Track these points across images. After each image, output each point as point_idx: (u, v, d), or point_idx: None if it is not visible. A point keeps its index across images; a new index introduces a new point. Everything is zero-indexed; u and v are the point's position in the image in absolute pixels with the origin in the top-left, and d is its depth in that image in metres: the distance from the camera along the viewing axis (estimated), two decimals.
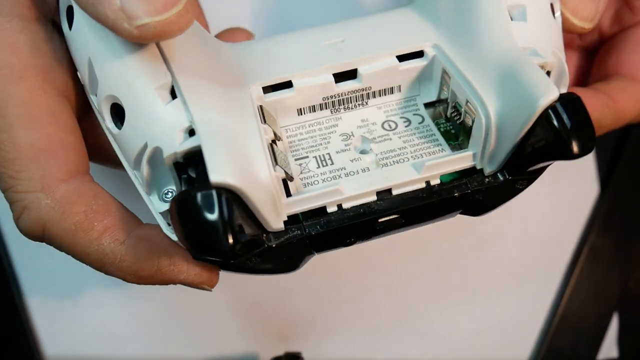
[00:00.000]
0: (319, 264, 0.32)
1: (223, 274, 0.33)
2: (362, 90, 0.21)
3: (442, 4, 0.21)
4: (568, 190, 0.35)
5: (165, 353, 0.31)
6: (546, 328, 0.33)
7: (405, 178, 0.19)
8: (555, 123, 0.17)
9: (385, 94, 0.21)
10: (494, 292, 0.33)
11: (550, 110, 0.17)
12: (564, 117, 0.17)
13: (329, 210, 0.18)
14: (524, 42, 0.19)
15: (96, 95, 0.18)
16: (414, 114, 0.21)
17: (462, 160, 0.19)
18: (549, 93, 0.17)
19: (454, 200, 0.19)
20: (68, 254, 0.19)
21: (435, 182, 0.19)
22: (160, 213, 0.19)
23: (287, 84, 0.20)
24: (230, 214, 0.15)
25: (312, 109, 0.21)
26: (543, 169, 0.20)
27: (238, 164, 0.16)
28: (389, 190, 0.19)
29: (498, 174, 0.20)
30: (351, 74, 0.20)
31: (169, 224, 0.19)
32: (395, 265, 0.33)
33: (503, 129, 0.18)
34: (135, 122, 0.17)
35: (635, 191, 0.35)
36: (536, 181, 0.35)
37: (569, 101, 0.17)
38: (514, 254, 0.34)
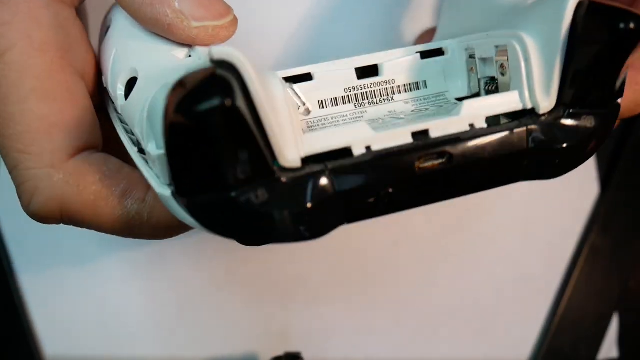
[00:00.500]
0: (319, 263, 0.33)
1: (222, 274, 0.33)
2: (386, 83, 0.19)
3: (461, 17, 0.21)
4: (568, 190, 0.35)
5: (165, 353, 0.31)
6: (546, 328, 0.33)
7: (444, 119, 0.16)
8: (599, 11, 0.15)
9: (411, 90, 0.20)
10: (494, 292, 0.33)
11: (585, 4, 0.15)
12: (601, 5, 0.15)
13: (356, 152, 0.15)
14: None
15: (112, 78, 0.18)
16: (446, 103, 0.20)
17: (507, 98, 0.17)
18: None
19: (509, 141, 0.16)
20: (92, 229, 0.18)
21: (481, 125, 0.16)
22: (157, 158, 0.16)
23: (307, 77, 0.19)
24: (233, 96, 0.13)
25: (334, 101, 0.19)
26: (609, 88, 0.17)
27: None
28: (426, 132, 0.16)
29: (556, 110, 0.17)
30: (373, 71, 0.19)
31: (168, 184, 0.16)
32: (395, 265, 0.33)
33: (541, 49, 0.16)
34: (148, 79, 0.17)
35: (635, 191, 0.35)
36: (536, 181, 0.35)
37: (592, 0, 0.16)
38: (514, 254, 0.34)
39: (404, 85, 0.20)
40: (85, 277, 0.31)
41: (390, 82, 0.19)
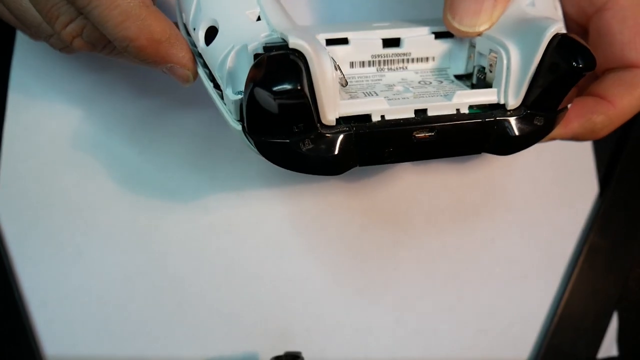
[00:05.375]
0: (319, 263, 0.33)
1: (223, 274, 0.33)
2: (403, 55, 0.25)
3: None
4: (567, 190, 0.35)
5: (165, 353, 0.31)
6: (546, 327, 0.33)
7: (439, 102, 0.22)
8: (565, 46, 0.21)
9: (421, 62, 0.25)
10: (494, 292, 0.33)
11: (558, 38, 0.21)
12: (570, 42, 0.21)
13: (374, 119, 0.21)
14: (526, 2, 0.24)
15: (194, 20, 0.23)
16: (446, 79, 0.25)
17: (487, 94, 0.22)
18: (555, 24, 0.21)
19: (479, 126, 0.22)
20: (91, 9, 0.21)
21: (464, 110, 0.22)
22: (232, 102, 0.21)
23: (344, 41, 0.24)
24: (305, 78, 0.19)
25: (362, 64, 0.25)
26: (557, 102, 0.23)
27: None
28: (425, 110, 0.22)
29: (519, 108, 0.22)
30: (395, 43, 0.25)
31: (237, 120, 0.22)
32: (395, 265, 0.33)
33: (520, 63, 0.22)
34: (227, 33, 0.22)
35: (634, 191, 0.35)
36: (536, 181, 0.35)
37: (566, 34, 0.21)
38: (514, 254, 0.34)
39: (417, 58, 0.25)
40: (85, 277, 0.31)
41: (407, 54, 0.25)
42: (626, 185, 0.35)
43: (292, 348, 0.32)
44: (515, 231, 0.34)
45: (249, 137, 0.21)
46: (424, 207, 0.34)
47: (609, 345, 0.33)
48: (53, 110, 0.33)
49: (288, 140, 0.21)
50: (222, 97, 0.23)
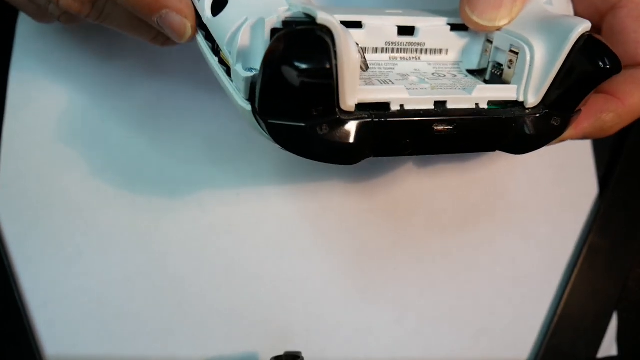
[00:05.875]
0: (319, 263, 0.33)
1: (223, 274, 0.33)
2: (417, 45, 0.24)
3: None
4: (567, 191, 0.35)
5: (165, 353, 0.31)
6: (546, 327, 0.33)
7: (459, 95, 0.21)
8: (592, 47, 0.20)
9: (435, 53, 0.24)
10: (494, 292, 0.33)
11: (585, 38, 0.20)
12: (597, 43, 0.20)
13: (392, 108, 0.20)
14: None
15: None
16: (459, 73, 0.24)
17: (507, 90, 0.22)
18: (582, 23, 0.20)
19: (499, 123, 0.21)
20: None
21: (483, 105, 0.22)
22: (243, 79, 0.20)
23: (358, 25, 0.23)
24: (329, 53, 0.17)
25: (375, 50, 0.24)
26: (576, 103, 0.22)
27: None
28: (444, 103, 0.21)
29: (538, 107, 0.22)
30: (410, 31, 0.24)
31: (247, 99, 0.20)
32: (395, 265, 0.33)
33: (544, 61, 0.21)
34: (239, 5, 0.20)
35: (634, 191, 0.35)
36: (536, 181, 0.35)
37: (592, 35, 0.21)
38: (514, 254, 0.34)
39: (431, 49, 0.24)
40: (85, 277, 0.31)
41: (421, 44, 0.24)
42: (626, 185, 0.35)
43: (292, 348, 0.32)
44: (515, 231, 0.34)
45: (259, 119, 0.20)
46: (424, 207, 0.34)
47: (609, 345, 0.33)
48: (53, 109, 0.33)
49: (304, 124, 0.19)
50: (228, 74, 0.21)
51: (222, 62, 0.21)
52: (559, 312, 0.33)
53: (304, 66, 0.17)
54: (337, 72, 0.18)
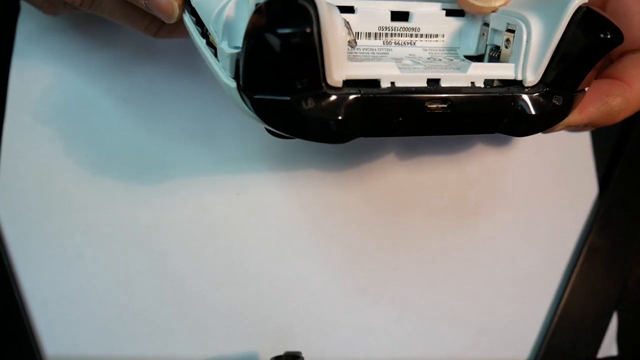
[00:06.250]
0: (319, 263, 0.33)
1: (223, 274, 0.33)
2: (412, 30, 0.24)
3: None
4: (567, 191, 0.35)
5: (165, 353, 0.31)
6: (546, 327, 0.33)
7: (453, 73, 0.20)
8: (590, 19, 0.20)
9: (430, 38, 0.24)
10: (494, 292, 0.33)
11: (582, 11, 0.20)
12: (595, 15, 0.20)
13: (383, 85, 0.20)
14: None
15: None
16: (456, 58, 0.24)
17: (504, 69, 0.21)
18: None
19: (496, 101, 0.20)
20: None
21: (479, 84, 0.21)
22: (228, 55, 0.19)
23: (350, 9, 0.23)
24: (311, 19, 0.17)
25: (368, 35, 0.23)
26: (577, 80, 0.21)
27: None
28: (438, 81, 0.20)
29: (537, 85, 0.21)
30: (404, 16, 0.23)
31: (232, 77, 0.20)
32: (395, 265, 0.33)
33: (541, 36, 0.21)
34: None
35: (634, 191, 0.35)
36: (536, 181, 0.35)
37: (590, 7, 0.20)
38: (514, 254, 0.34)
39: (426, 34, 0.24)
40: (85, 277, 0.31)
41: (416, 30, 0.24)
42: (626, 185, 0.35)
43: (292, 348, 0.32)
44: (515, 231, 0.34)
45: (244, 95, 0.19)
46: (424, 207, 0.34)
47: (609, 345, 0.33)
48: (53, 109, 0.33)
49: (289, 98, 0.18)
50: (216, 56, 0.21)
51: (210, 44, 0.21)
52: (559, 312, 0.33)
53: (284, 30, 0.17)
54: (321, 42, 0.18)
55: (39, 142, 0.32)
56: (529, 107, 0.21)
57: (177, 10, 0.22)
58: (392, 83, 0.20)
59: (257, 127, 0.33)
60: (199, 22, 0.22)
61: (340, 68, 0.19)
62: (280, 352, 0.30)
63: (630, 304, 0.34)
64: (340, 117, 0.19)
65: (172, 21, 0.23)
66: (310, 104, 0.18)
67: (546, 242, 0.34)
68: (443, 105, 0.20)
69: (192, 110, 0.33)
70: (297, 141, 0.33)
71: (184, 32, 0.24)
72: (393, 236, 0.33)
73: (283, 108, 0.19)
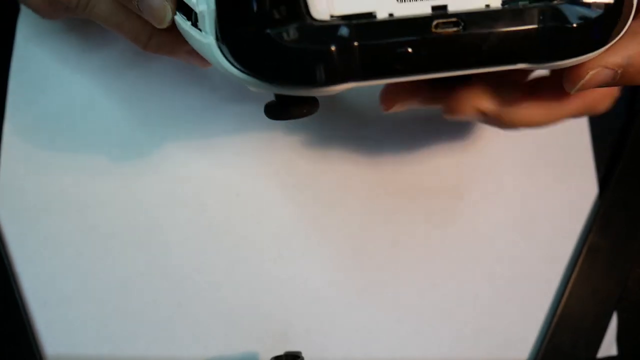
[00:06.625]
0: (319, 263, 0.33)
1: (223, 274, 0.33)
2: None
3: None
4: (567, 190, 0.35)
5: (165, 353, 0.31)
6: (546, 327, 0.33)
7: None
8: None
9: None
10: (494, 292, 0.33)
11: None
12: None
13: (379, 17, 0.17)
14: None
15: None
16: None
17: None
18: None
19: (523, 14, 0.17)
20: None
21: (496, 6, 0.17)
22: (206, 13, 0.18)
23: None
24: None
25: None
26: None
27: None
28: (445, 7, 0.17)
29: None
30: None
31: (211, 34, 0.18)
32: (395, 265, 0.33)
33: None
34: None
35: (634, 191, 0.35)
36: (536, 181, 0.35)
37: None
38: (513, 254, 0.34)
39: None
40: (85, 277, 0.31)
41: None
42: (626, 185, 0.35)
43: (292, 348, 0.32)
44: (515, 231, 0.34)
45: (222, 47, 0.17)
46: (424, 207, 0.34)
47: (609, 344, 0.33)
48: (53, 110, 0.33)
49: (268, 31, 0.16)
50: (197, 27, 0.19)
51: (196, 25, 0.20)
52: (559, 312, 0.33)
53: None
54: None
55: (39, 142, 0.32)
56: (564, 18, 0.17)
57: (169, 15, 0.22)
58: (390, 14, 0.17)
59: (257, 127, 0.33)
60: (187, 16, 0.21)
61: (325, 1, 0.17)
62: (280, 352, 0.30)
63: (630, 304, 0.34)
64: (327, 49, 0.16)
65: (164, 25, 0.22)
66: (293, 34, 0.16)
67: (546, 242, 0.34)
68: (455, 29, 0.17)
69: (192, 111, 0.33)
70: (297, 141, 0.33)
71: (173, 49, 0.25)
72: (393, 236, 0.33)
73: (263, 45, 0.16)
